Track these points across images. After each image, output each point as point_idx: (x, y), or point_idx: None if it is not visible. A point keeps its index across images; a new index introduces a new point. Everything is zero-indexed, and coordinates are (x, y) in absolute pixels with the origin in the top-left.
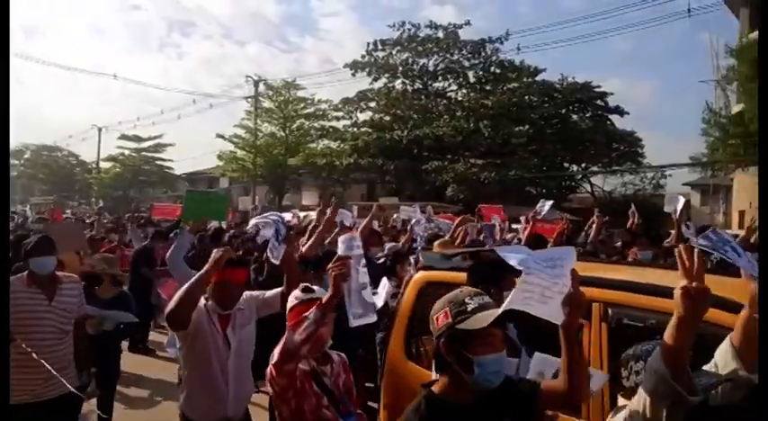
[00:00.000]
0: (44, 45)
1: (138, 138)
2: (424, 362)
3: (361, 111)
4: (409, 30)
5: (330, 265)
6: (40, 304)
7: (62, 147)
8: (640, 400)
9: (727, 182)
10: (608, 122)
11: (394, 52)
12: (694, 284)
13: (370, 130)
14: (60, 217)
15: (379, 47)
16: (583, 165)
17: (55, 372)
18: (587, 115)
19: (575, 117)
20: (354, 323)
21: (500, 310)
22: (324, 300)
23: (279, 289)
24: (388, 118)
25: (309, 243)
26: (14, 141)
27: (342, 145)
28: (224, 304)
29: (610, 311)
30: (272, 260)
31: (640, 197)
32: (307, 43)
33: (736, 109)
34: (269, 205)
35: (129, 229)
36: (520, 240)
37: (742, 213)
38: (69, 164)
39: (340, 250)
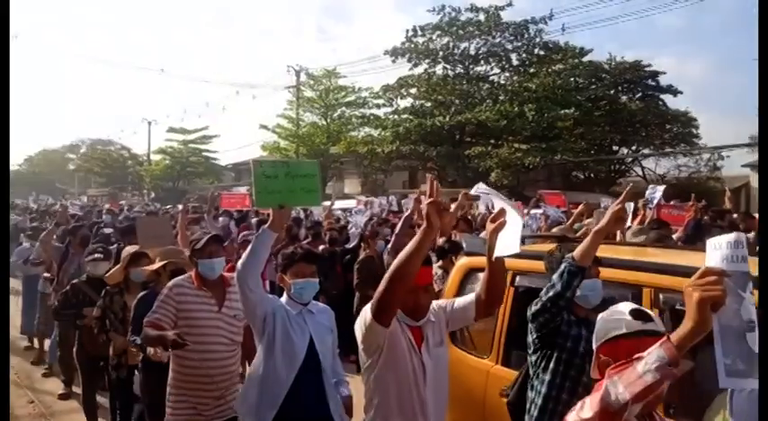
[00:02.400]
0: (91, 42)
1: (184, 131)
2: (468, 346)
3: (401, 98)
4: (449, 14)
5: (694, 281)
6: (210, 311)
7: (115, 140)
8: None
9: None
10: (660, 102)
11: (434, 37)
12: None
13: (411, 117)
14: (117, 206)
15: (419, 32)
16: (633, 147)
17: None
18: (638, 96)
19: (624, 98)
20: (728, 384)
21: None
22: (680, 337)
23: (471, 295)
24: (429, 104)
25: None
26: (72, 136)
27: (383, 132)
28: (416, 313)
29: (661, 297)
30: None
31: (695, 180)
32: (344, 31)
33: None
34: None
35: (206, 220)
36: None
37: None
38: (122, 157)
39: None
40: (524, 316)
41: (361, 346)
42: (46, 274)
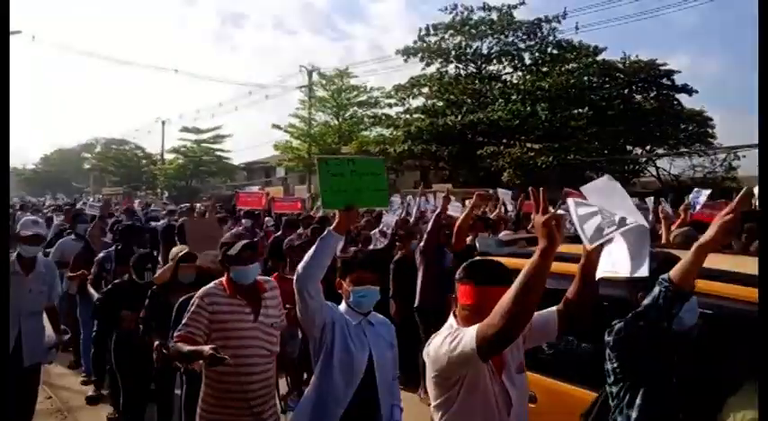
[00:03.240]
0: (105, 42)
1: (198, 130)
2: None
3: (413, 98)
4: (462, 13)
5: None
6: (246, 321)
7: (129, 140)
8: None
9: None
10: (675, 102)
11: (446, 36)
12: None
13: (422, 116)
14: (132, 204)
15: (432, 31)
16: (647, 147)
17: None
18: (652, 95)
19: (638, 97)
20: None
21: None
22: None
23: (553, 308)
24: (441, 103)
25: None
26: (87, 135)
27: (395, 132)
28: None
29: None
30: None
31: (711, 180)
32: (356, 30)
33: None
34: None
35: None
36: None
37: None
38: (136, 156)
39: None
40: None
41: (436, 379)
42: (70, 274)
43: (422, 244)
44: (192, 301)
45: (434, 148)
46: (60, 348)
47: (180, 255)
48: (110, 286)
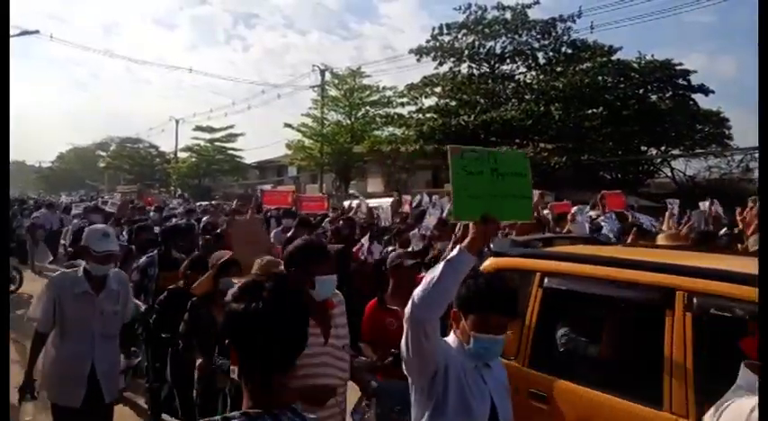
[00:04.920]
0: (120, 42)
1: (211, 129)
2: None
3: (426, 97)
4: (476, 12)
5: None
6: (315, 344)
7: (143, 138)
8: None
9: None
10: (691, 102)
11: (460, 36)
12: None
13: (435, 116)
14: (148, 200)
15: (445, 31)
16: (662, 148)
17: None
18: (667, 95)
19: (653, 97)
20: None
21: None
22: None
23: None
24: (453, 103)
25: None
26: (102, 134)
27: (407, 131)
28: None
29: (695, 301)
30: None
31: (726, 181)
32: (367, 30)
33: None
34: (336, 193)
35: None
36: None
37: None
38: (150, 155)
39: None
40: (552, 318)
41: None
42: None
43: (451, 244)
44: None
45: (447, 148)
46: (130, 373)
47: (221, 261)
48: (165, 294)
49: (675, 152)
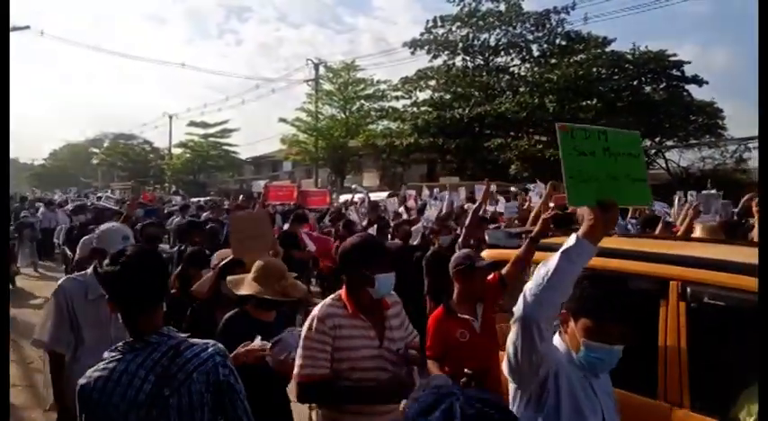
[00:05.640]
0: (111, 37)
1: (205, 125)
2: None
3: (420, 91)
4: (470, 4)
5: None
6: (371, 347)
7: (137, 134)
8: None
9: None
10: (684, 93)
11: (453, 28)
12: None
13: (430, 109)
14: (147, 197)
15: (439, 23)
16: (656, 139)
17: None
18: (661, 86)
19: (647, 89)
20: None
21: None
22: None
23: None
24: (448, 96)
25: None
26: (95, 130)
27: (402, 125)
28: None
29: (689, 290)
30: None
31: (721, 172)
32: (360, 22)
33: None
34: (331, 187)
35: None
36: None
37: None
38: (144, 151)
39: None
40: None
41: None
42: None
43: (461, 238)
44: (308, 325)
45: (441, 141)
46: None
47: (224, 262)
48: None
49: (670, 143)
